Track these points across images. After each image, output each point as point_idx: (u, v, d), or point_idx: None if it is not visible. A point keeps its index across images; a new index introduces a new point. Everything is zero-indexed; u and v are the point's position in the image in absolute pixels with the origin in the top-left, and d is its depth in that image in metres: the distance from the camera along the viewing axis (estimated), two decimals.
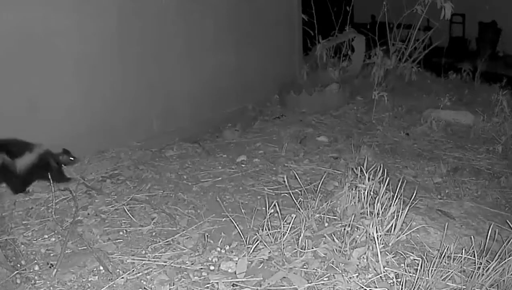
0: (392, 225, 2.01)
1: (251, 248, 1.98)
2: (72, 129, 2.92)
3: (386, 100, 3.85)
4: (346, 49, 4.83)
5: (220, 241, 2.12)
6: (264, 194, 2.56)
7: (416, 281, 1.70)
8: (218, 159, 3.09)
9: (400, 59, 4.91)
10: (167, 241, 2.13)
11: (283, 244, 1.99)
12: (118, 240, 2.15)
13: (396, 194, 2.08)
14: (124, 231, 2.23)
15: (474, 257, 1.76)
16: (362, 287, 1.74)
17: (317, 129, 3.66)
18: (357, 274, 1.82)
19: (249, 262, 1.93)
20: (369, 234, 1.94)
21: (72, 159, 2.70)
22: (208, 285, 1.82)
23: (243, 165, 2.98)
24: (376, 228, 1.92)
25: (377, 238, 1.87)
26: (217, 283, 1.82)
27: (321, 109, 4.06)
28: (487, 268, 1.70)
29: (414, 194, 2.25)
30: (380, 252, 1.85)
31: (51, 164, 2.62)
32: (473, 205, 2.44)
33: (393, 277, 1.81)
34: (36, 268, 1.95)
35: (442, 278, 1.73)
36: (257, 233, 2.09)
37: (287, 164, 2.97)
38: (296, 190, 2.46)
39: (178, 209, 2.42)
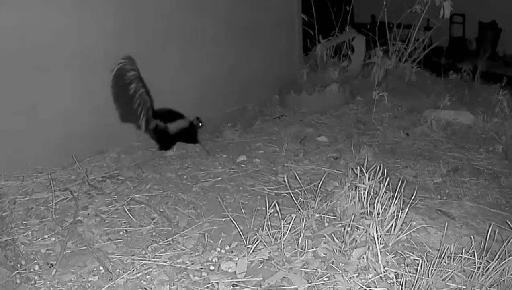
0: (392, 225, 2.01)
1: (251, 248, 1.98)
2: (72, 129, 2.92)
3: (386, 100, 3.84)
4: (346, 49, 4.83)
5: (220, 241, 2.12)
6: (264, 194, 2.56)
7: (416, 281, 1.70)
8: (218, 159, 3.09)
9: (400, 59, 4.91)
10: (167, 241, 2.13)
11: (283, 244, 1.99)
12: (118, 240, 2.16)
13: (396, 194, 2.07)
14: (124, 231, 2.23)
15: (474, 257, 1.76)
16: (362, 287, 1.74)
17: (317, 129, 3.66)
18: (357, 274, 1.82)
19: (249, 262, 1.93)
20: (369, 234, 1.94)
21: (201, 124, 3.35)
22: (208, 285, 1.83)
23: (243, 165, 2.98)
24: (376, 228, 1.91)
25: (377, 238, 1.87)
26: (217, 283, 1.82)
27: (321, 109, 4.05)
28: (487, 268, 1.70)
29: (414, 194, 2.26)
30: (380, 252, 1.85)
31: (195, 129, 3.33)
32: (473, 205, 2.44)
33: (393, 277, 1.81)
34: (36, 268, 1.95)
35: (442, 278, 1.73)
36: (257, 233, 2.09)
37: (287, 164, 2.97)
38: (296, 190, 2.46)
39: (178, 209, 2.43)
